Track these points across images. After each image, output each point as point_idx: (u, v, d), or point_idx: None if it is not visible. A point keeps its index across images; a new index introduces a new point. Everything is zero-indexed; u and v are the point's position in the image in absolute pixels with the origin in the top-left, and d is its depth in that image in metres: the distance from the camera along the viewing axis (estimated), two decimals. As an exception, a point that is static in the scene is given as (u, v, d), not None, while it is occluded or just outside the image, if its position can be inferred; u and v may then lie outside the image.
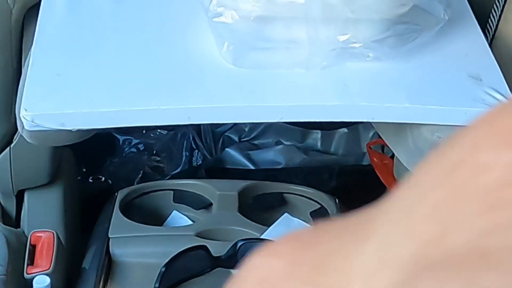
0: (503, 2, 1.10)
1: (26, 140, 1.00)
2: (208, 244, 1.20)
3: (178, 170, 1.60)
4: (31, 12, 1.17)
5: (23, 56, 1.17)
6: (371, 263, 0.25)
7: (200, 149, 1.62)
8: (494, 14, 1.11)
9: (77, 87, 0.94)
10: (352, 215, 0.27)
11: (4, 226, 1.24)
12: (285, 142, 1.66)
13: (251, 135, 1.67)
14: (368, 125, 1.56)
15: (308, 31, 0.93)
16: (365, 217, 0.27)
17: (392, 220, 0.25)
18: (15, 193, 1.28)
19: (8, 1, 1.15)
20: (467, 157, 0.24)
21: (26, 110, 0.91)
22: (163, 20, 1.04)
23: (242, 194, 1.33)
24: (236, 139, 1.67)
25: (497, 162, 0.23)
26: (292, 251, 0.28)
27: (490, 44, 1.06)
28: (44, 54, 0.99)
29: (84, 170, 1.59)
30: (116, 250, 1.23)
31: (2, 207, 1.30)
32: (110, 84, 0.95)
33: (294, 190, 1.38)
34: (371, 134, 1.63)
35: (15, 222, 1.30)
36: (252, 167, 1.62)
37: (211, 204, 1.33)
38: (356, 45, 0.95)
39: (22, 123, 0.91)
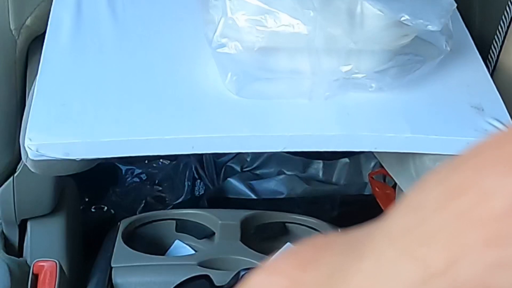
0: (504, 33, 1.11)
1: (29, 170, 1.01)
2: (211, 273, 1.20)
3: (180, 199, 1.61)
4: (36, 42, 1.18)
5: (27, 86, 1.18)
6: (368, 281, 0.25)
7: (203, 179, 1.63)
8: (495, 45, 1.12)
9: (82, 117, 0.95)
10: (351, 232, 0.27)
11: (7, 255, 1.24)
12: (287, 172, 1.67)
13: (253, 165, 1.68)
14: (369, 155, 1.57)
15: (311, 61, 0.94)
16: (363, 233, 0.27)
17: (390, 238, 0.25)
18: (18, 223, 1.28)
19: (13, 32, 1.16)
20: (471, 182, 0.24)
21: (30, 140, 0.91)
22: (167, 50, 1.05)
23: (244, 224, 1.33)
24: (238, 169, 1.67)
25: (501, 189, 0.23)
26: (293, 270, 0.28)
27: (491, 75, 1.07)
28: (49, 84, 0.99)
29: (87, 199, 1.60)
30: (118, 279, 1.23)
31: (5, 236, 1.30)
32: (114, 114, 0.95)
33: (296, 220, 1.39)
34: (372, 164, 1.63)
35: (18, 251, 1.30)
36: (254, 197, 1.62)
37: (214, 233, 1.34)
38: (359, 75, 0.96)
39: (26, 152, 0.92)
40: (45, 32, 1.08)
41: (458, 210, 0.24)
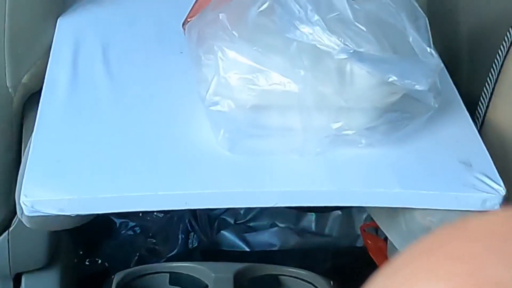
0: (491, 90, 1.13)
1: (24, 224, 1.02)
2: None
3: (174, 252, 1.61)
4: (32, 99, 1.20)
5: (23, 142, 1.20)
6: None
7: (196, 232, 1.64)
8: (483, 101, 1.14)
9: (77, 173, 0.96)
10: None
11: (1, 309, 1.24)
12: (280, 225, 1.68)
13: (246, 217, 1.69)
14: (361, 207, 1.58)
15: (302, 119, 0.96)
16: None
17: None
18: (13, 276, 1.29)
19: (10, 90, 1.18)
20: None
21: (26, 196, 0.92)
22: (161, 108, 1.07)
23: (237, 277, 1.34)
24: (232, 221, 1.69)
25: None
26: None
27: (479, 131, 1.08)
28: (44, 141, 1.01)
29: (81, 252, 1.60)
30: (112, 333, 1.23)
31: (-1, 290, 1.30)
32: (109, 170, 0.97)
33: (289, 272, 1.39)
34: (364, 216, 1.64)
35: (12, 306, 1.31)
36: (247, 249, 1.63)
37: (207, 286, 1.34)
38: (349, 132, 0.98)
39: (21, 208, 0.93)
40: (41, 89, 1.10)
41: None
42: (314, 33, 0.91)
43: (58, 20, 1.26)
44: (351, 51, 0.92)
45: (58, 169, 0.96)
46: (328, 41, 0.92)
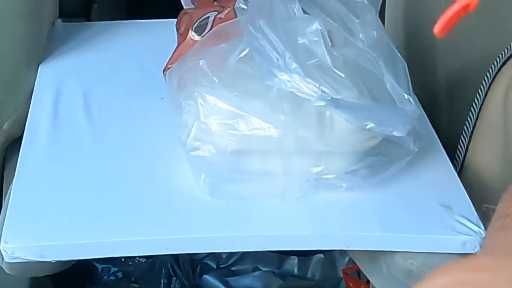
0: (470, 133, 1.14)
1: (5, 270, 1.01)
2: None
3: (157, 297, 1.61)
4: (13, 144, 1.20)
5: (4, 189, 1.19)
6: None
7: (178, 276, 1.63)
8: (462, 144, 1.15)
9: (58, 219, 0.96)
10: None
11: None
12: (263, 268, 1.68)
13: (228, 261, 1.69)
14: (344, 250, 1.58)
15: (282, 163, 0.96)
16: None
17: None
18: (-7, 323, 1.28)
19: (-9, 135, 1.18)
20: None
21: (6, 242, 0.92)
22: (142, 153, 1.07)
23: (220, 322, 1.33)
24: (214, 265, 1.68)
25: None
26: None
27: (459, 174, 1.09)
28: (25, 187, 1.01)
29: (63, 298, 1.59)
30: None
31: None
32: (90, 216, 0.97)
33: (272, 317, 1.39)
34: (347, 259, 1.64)
35: None
36: (230, 294, 1.62)
37: (190, 332, 1.34)
38: (329, 176, 0.98)
39: (1, 255, 0.93)
40: (22, 135, 1.10)
41: None
42: (292, 80, 0.92)
43: (39, 67, 1.27)
44: (329, 98, 0.93)
45: (39, 214, 0.96)
46: (306, 88, 0.93)
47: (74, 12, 1.95)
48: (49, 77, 1.25)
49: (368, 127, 0.93)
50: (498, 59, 1.12)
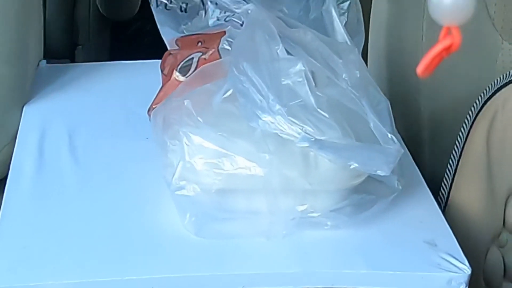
0: (453, 171, 1.15)
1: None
2: None
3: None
4: (-2, 185, 1.20)
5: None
6: None
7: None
8: (446, 183, 1.16)
9: (43, 259, 0.96)
10: None
11: None
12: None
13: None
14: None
15: (268, 202, 0.97)
16: None
17: None
18: None
19: (-25, 177, 1.18)
20: None
21: (-10, 283, 0.92)
22: (127, 193, 1.07)
23: None
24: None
25: None
26: None
27: (443, 211, 1.10)
28: (10, 227, 1.01)
29: None
30: None
31: None
32: (75, 255, 0.97)
33: None
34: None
35: None
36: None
37: None
38: (315, 214, 0.99)
39: (-14, 294, 0.93)
40: (6, 176, 1.10)
41: None
42: (276, 122, 0.93)
43: (24, 108, 1.28)
44: (313, 139, 0.94)
45: (24, 255, 0.96)
46: (289, 129, 0.93)
47: (59, 53, 1.96)
48: (34, 118, 1.25)
49: (352, 167, 0.94)
50: (480, 98, 1.13)
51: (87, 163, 1.13)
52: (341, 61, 1.03)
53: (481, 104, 1.13)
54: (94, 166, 1.13)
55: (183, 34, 1.17)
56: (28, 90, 1.31)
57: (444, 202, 1.15)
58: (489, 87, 1.12)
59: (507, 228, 1.17)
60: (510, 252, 1.18)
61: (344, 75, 1.02)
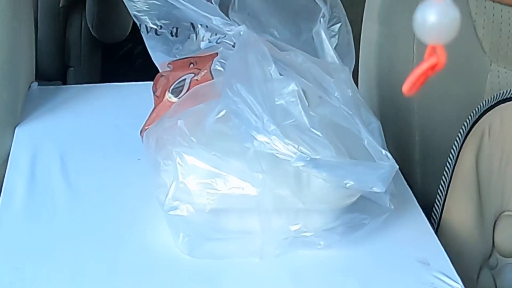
0: (445, 192, 1.15)
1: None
2: None
3: None
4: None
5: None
6: None
7: None
8: (438, 203, 1.16)
9: (35, 280, 0.96)
10: None
11: None
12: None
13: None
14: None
15: (261, 221, 0.97)
16: None
17: None
18: None
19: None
20: None
21: (-19, 304, 0.92)
22: (120, 214, 1.07)
23: None
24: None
25: None
26: None
27: (436, 231, 1.10)
28: (2, 248, 1.01)
29: None
30: None
31: None
32: (67, 277, 0.97)
33: None
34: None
35: None
36: None
37: None
38: (308, 234, 0.99)
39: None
40: (-1, 197, 1.10)
41: None
42: (271, 142, 0.94)
43: (15, 130, 1.27)
44: (308, 158, 0.94)
45: (16, 276, 0.96)
46: (285, 149, 0.94)
47: (50, 75, 1.97)
48: (25, 140, 1.25)
49: (348, 185, 0.94)
50: (468, 120, 1.14)
51: (79, 184, 1.13)
52: (332, 80, 1.04)
53: (469, 126, 1.14)
54: (86, 187, 1.13)
55: (175, 58, 1.17)
56: (19, 112, 1.31)
57: (436, 223, 1.16)
58: (476, 110, 1.13)
59: (497, 249, 1.17)
60: (501, 274, 1.18)
61: (336, 94, 1.03)
